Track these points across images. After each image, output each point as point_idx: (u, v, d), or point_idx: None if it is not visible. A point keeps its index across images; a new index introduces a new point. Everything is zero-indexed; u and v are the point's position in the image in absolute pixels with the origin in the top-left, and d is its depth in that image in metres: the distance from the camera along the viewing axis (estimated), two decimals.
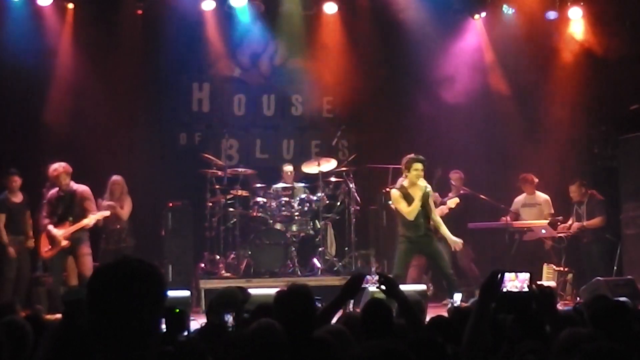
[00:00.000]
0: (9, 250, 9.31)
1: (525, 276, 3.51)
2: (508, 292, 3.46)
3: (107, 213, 9.42)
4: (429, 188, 8.69)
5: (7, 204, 9.44)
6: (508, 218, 10.51)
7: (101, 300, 1.93)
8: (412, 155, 8.64)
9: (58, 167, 8.98)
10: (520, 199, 10.78)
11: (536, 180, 10.72)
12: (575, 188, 10.38)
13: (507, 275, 3.42)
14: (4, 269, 9.36)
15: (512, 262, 10.26)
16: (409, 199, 8.57)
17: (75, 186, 9.04)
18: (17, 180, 9.48)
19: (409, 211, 8.52)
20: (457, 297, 9.20)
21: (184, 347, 3.34)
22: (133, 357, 1.90)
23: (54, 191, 9.06)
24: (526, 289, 3.52)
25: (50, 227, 8.94)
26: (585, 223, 10.26)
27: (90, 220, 9.00)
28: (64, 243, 8.90)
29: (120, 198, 9.76)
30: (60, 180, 8.96)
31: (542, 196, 10.71)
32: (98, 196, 9.71)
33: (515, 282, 3.51)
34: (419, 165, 8.50)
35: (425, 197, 8.58)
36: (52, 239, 8.95)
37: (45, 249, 9.06)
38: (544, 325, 3.64)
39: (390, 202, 9.94)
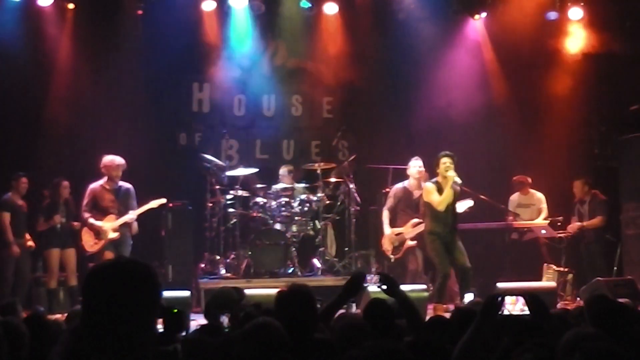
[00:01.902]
0: (13, 248, 9.30)
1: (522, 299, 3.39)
2: (510, 315, 3.36)
3: (161, 201, 9.45)
4: (458, 180, 8.95)
5: (12, 204, 9.45)
6: (510, 218, 10.51)
7: (96, 300, 1.92)
8: (440, 153, 8.95)
9: (120, 160, 9.02)
10: (514, 198, 10.77)
11: (529, 180, 10.74)
12: (580, 185, 10.40)
13: (507, 298, 3.27)
14: (2, 268, 9.36)
15: (512, 262, 10.26)
16: (442, 192, 8.85)
17: (121, 183, 9.10)
18: (25, 183, 9.51)
19: (439, 202, 8.80)
20: (468, 297, 9.21)
21: (181, 347, 3.33)
22: (129, 358, 1.90)
23: (97, 185, 9.06)
24: (527, 312, 3.44)
25: (93, 220, 8.95)
26: (585, 223, 10.25)
27: (135, 213, 9.10)
28: (114, 235, 8.89)
29: None
30: (118, 173, 9.00)
31: (537, 195, 10.72)
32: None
33: (517, 305, 3.42)
34: (445, 160, 8.80)
35: (455, 192, 8.88)
36: (97, 232, 8.94)
37: (90, 243, 9.03)
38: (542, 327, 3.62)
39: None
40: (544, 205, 10.67)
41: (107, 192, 9.06)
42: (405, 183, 9.93)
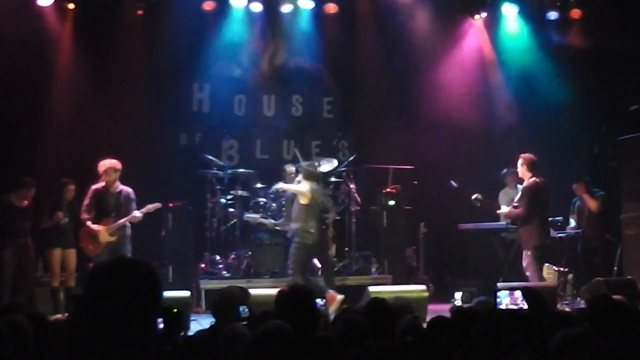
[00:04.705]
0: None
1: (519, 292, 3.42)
2: (508, 309, 3.38)
3: (159, 205, 9.37)
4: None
5: (5, 204, 9.40)
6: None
7: (97, 300, 1.93)
8: None
9: (115, 163, 8.94)
10: (507, 194, 10.45)
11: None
12: (578, 187, 10.36)
13: (501, 292, 3.33)
14: (2, 268, 9.35)
15: (512, 262, 10.25)
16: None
17: (121, 186, 9.03)
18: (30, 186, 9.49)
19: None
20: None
21: (182, 347, 3.34)
22: (129, 357, 1.90)
23: (99, 187, 8.97)
24: (524, 306, 3.46)
25: (89, 223, 8.87)
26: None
27: (138, 215, 8.94)
28: (111, 239, 8.85)
29: None
30: (114, 176, 8.93)
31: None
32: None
33: (511, 297, 3.44)
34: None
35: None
36: (94, 235, 8.89)
37: (89, 246, 8.97)
38: (537, 325, 3.62)
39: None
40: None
41: (109, 194, 8.99)
42: None
